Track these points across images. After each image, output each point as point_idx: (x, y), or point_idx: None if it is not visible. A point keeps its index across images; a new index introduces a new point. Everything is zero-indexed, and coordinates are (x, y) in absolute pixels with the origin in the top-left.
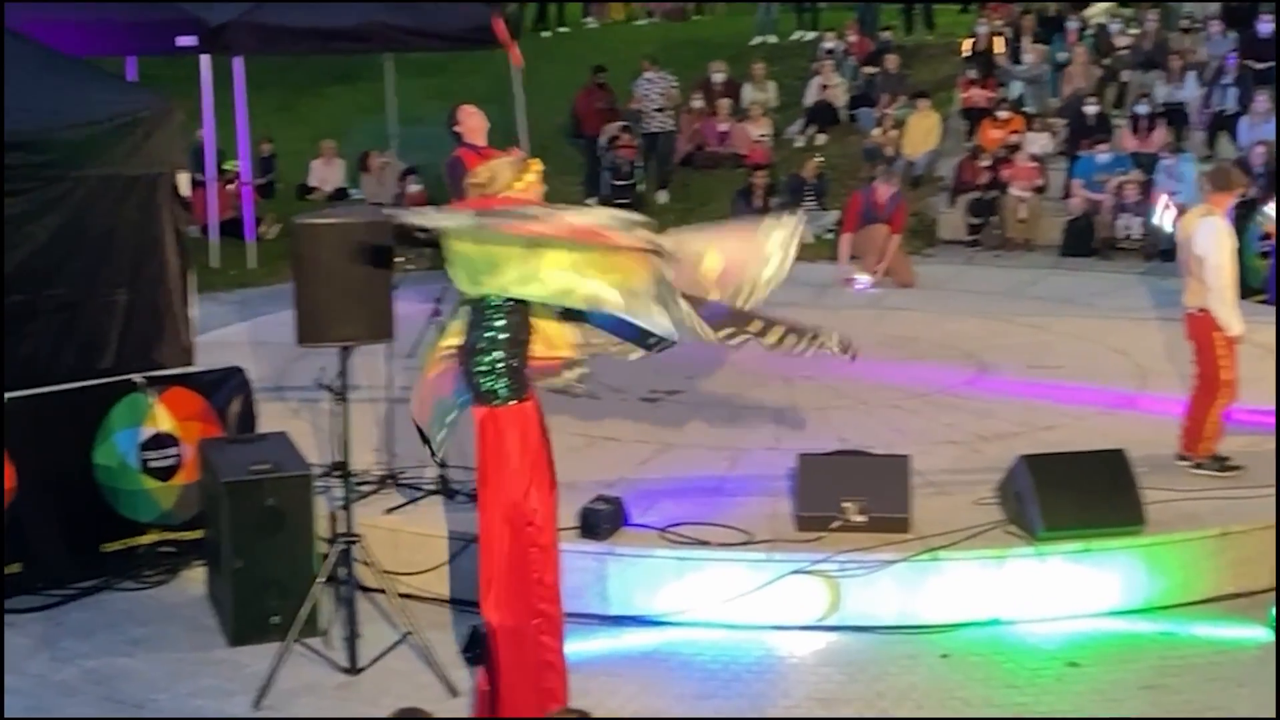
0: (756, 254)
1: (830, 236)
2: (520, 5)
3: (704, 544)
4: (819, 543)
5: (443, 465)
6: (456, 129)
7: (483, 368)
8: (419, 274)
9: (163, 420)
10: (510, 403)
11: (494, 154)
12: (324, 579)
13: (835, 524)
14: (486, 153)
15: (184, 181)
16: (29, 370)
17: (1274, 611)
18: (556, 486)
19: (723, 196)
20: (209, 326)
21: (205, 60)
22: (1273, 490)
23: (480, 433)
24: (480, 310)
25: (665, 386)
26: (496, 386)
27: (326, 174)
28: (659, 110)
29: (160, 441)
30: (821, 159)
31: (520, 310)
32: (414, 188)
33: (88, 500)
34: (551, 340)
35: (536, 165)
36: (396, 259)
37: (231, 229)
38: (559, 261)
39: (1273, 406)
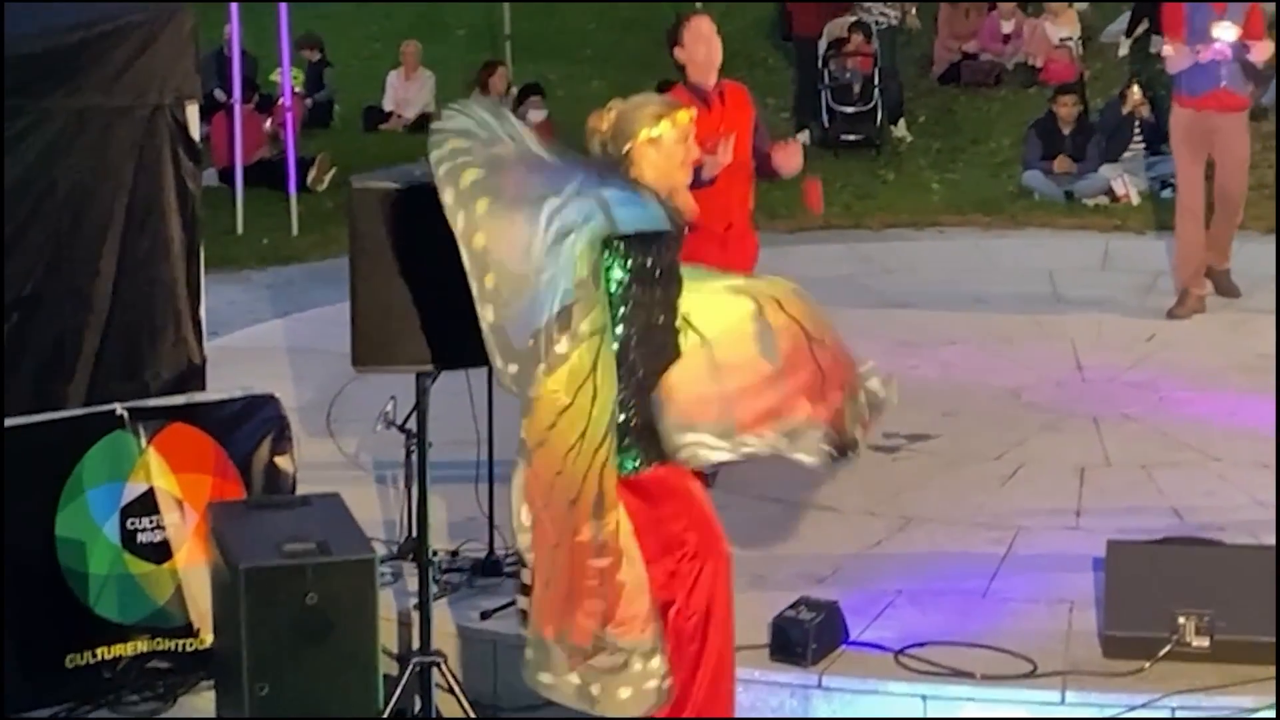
0: None
1: (1169, 194)
2: None
3: (964, 675)
4: (1139, 678)
5: None
6: (677, 52)
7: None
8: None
9: (157, 473)
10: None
11: (728, 105)
12: (389, 716)
13: (1165, 650)
14: (715, 99)
15: (194, 117)
16: None
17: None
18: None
19: (1004, 130)
20: (228, 324)
21: None
22: None
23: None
24: None
25: (909, 429)
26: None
27: (408, 92)
28: None
29: (152, 504)
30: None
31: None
32: (536, 115)
33: (45, 590)
34: None
35: (685, 115)
36: None
37: (265, 176)
38: None
39: None
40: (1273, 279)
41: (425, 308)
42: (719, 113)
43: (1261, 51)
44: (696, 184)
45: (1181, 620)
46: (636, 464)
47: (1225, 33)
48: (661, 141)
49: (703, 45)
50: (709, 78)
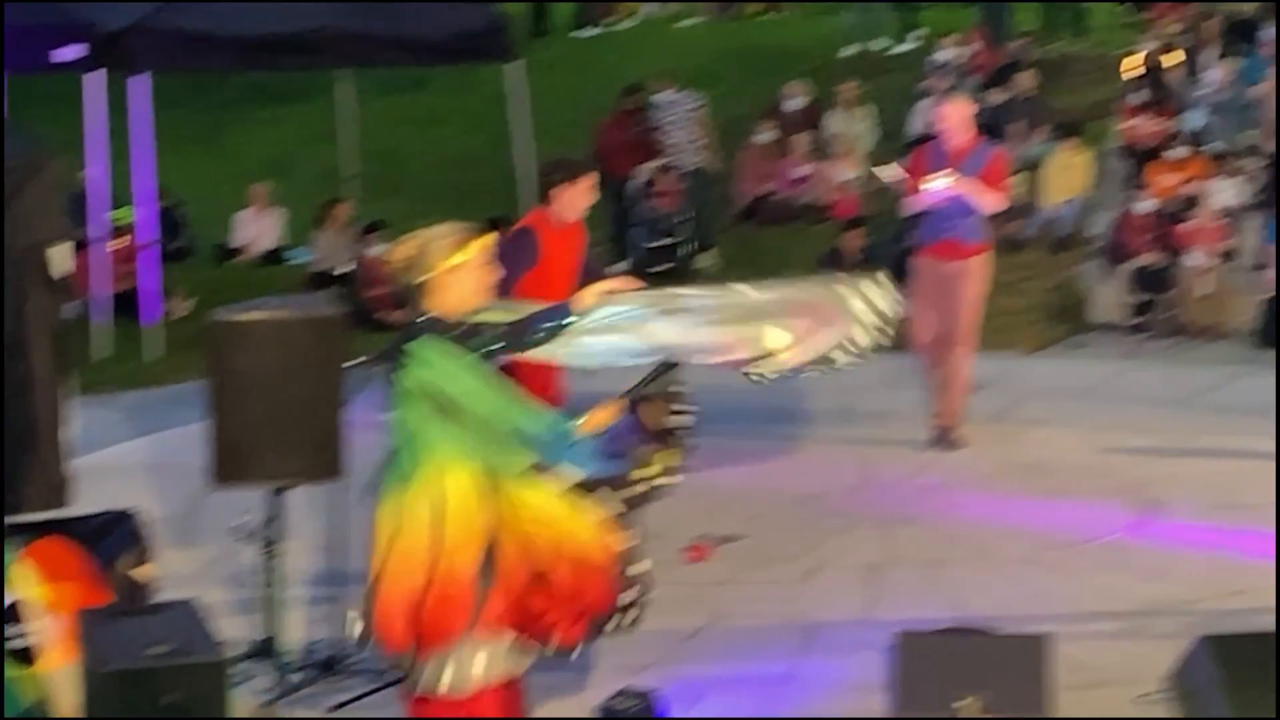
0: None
1: None
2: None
3: None
4: None
5: None
6: (564, 189)
7: None
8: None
9: (26, 583)
10: None
11: (571, 235)
12: None
13: None
14: (572, 234)
15: (60, 258)
16: None
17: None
18: None
19: (799, 261)
20: (92, 444)
21: (94, 78)
22: None
23: None
24: None
25: (718, 530)
26: None
27: (258, 228)
28: (691, 142)
29: (22, 612)
30: None
31: None
32: (377, 249)
33: None
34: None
35: (483, 242)
36: (349, 361)
37: (126, 306)
38: None
39: None
40: (1039, 395)
41: (278, 427)
42: (570, 239)
43: (991, 202)
44: None
45: (961, 703)
46: None
47: (935, 184)
48: (465, 266)
49: (581, 194)
50: (573, 216)
